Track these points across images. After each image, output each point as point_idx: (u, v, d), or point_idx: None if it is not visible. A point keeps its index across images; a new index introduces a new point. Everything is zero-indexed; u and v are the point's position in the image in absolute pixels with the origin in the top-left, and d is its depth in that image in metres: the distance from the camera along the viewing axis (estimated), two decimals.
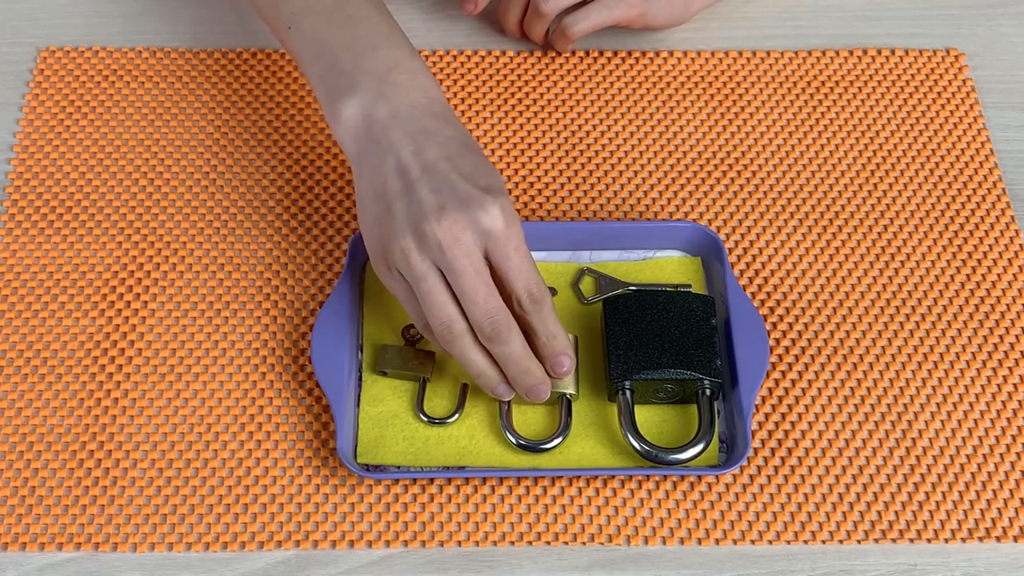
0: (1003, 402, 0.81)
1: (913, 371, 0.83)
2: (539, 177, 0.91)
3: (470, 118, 0.94)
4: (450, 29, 1.00)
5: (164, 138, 0.92)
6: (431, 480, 0.77)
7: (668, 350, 0.78)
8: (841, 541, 0.76)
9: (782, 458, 0.79)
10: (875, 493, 0.78)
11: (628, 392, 0.78)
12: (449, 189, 0.72)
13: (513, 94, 0.96)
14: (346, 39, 0.79)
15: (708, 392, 0.78)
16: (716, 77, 0.97)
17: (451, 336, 0.74)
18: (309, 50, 0.80)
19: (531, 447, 0.78)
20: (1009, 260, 0.88)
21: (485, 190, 0.73)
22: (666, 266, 0.86)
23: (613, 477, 0.78)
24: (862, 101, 0.96)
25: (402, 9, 1.01)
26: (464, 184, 0.73)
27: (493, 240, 0.72)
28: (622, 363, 0.78)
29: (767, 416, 0.81)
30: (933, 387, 0.82)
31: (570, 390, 0.79)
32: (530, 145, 0.93)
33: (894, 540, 0.76)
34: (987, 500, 0.77)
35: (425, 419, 0.79)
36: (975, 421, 0.81)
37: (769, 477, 0.78)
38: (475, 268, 0.72)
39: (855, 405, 0.81)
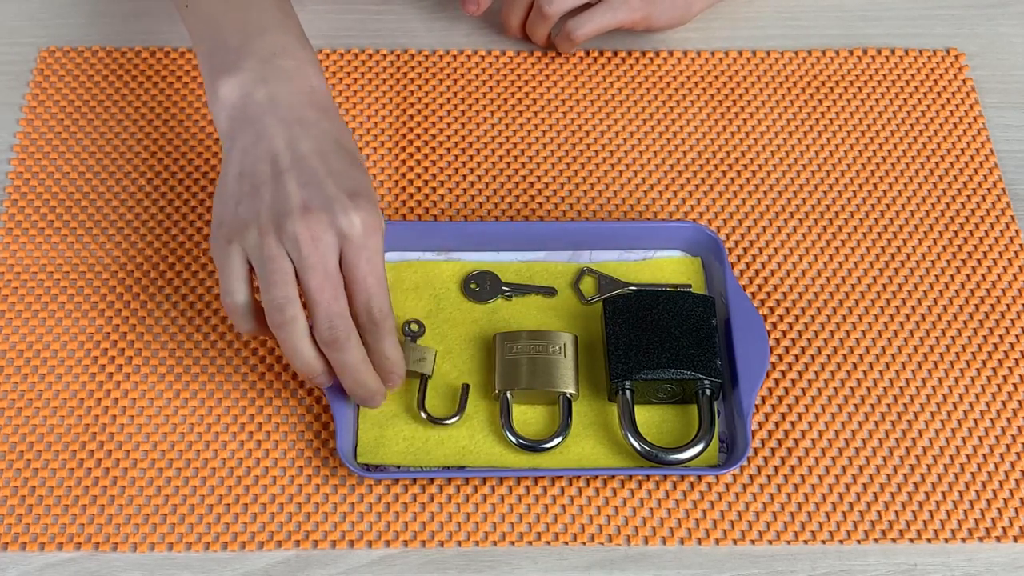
0: (1003, 402, 0.81)
1: (913, 371, 0.83)
2: (539, 177, 0.91)
3: (470, 118, 0.94)
4: (450, 29, 1.00)
5: (164, 138, 0.92)
6: (431, 480, 0.77)
7: (668, 350, 0.78)
8: (841, 541, 0.76)
9: (782, 458, 0.79)
10: (875, 493, 0.78)
11: (628, 392, 0.78)
12: (316, 186, 0.72)
13: (513, 94, 0.96)
14: (237, 20, 0.78)
15: (708, 392, 0.78)
16: (716, 77, 0.97)
17: (282, 318, 0.72)
18: (201, 29, 0.80)
19: (531, 447, 0.78)
20: (1009, 260, 0.88)
21: (351, 194, 0.72)
22: (666, 266, 0.86)
23: (613, 477, 0.78)
24: (862, 101, 0.96)
25: (403, 9, 1.01)
26: (332, 185, 0.72)
27: (349, 244, 0.72)
28: (622, 363, 0.78)
29: (767, 416, 0.81)
30: (933, 387, 0.82)
31: (570, 390, 0.79)
32: (530, 145, 0.93)
33: (894, 540, 0.76)
34: (987, 500, 0.78)
35: (425, 417, 0.79)
36: (975, 421, 0.81)
37: (769, 477, 0.78)
38: (326, 269, 0.71)
39: (855, 405, 0.81)
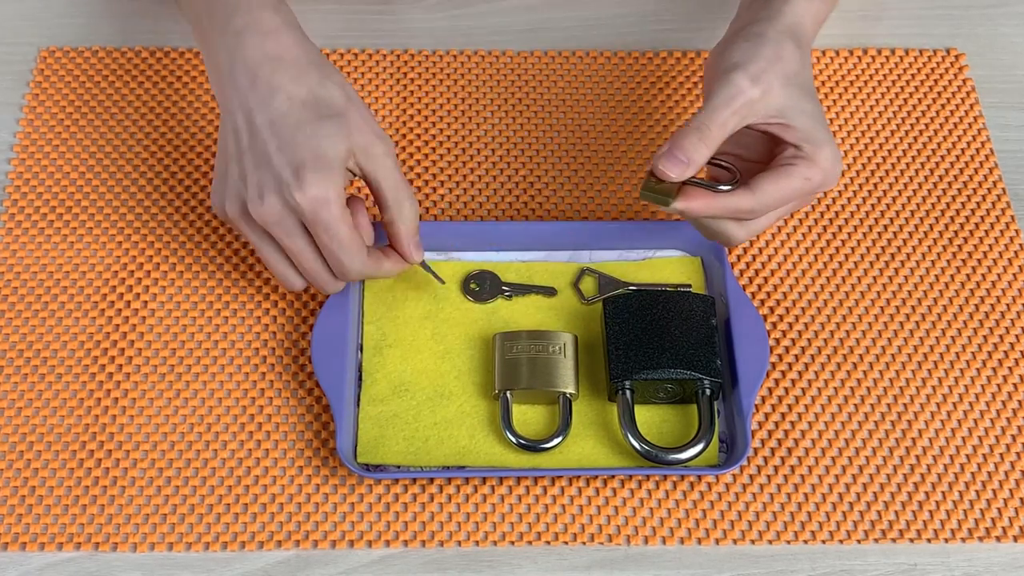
0: (1003, 402, 0.81)
1: (913, 371, 0.83)
2: (539, 177, 0.91)
3: (470, 118, 0.94)
4: (450, 29, 1.00)
5: (164, 138, 0.92)
6: (431, 480, 0.77)
7: (668, 350, 0.78)
8: (841, 541, 0.76)
9: (782, 458, 0.79)
10: (875, 493, 0.78)
11: (628, 392, 0.78)
12: (267, 167, 0.75)
13: (513, 94, 0.96)
14: None
15: (708, 392, 0.78)
16: None
17: (286, 285, 0.80)
18: (190, 19, 0.82)
19: (531, 447, 0.78)
20: (1009, 260, 0.88)
21: (297, 170, 0.74)
22: (666, 266, 0.86)
23: (613, 477, 0.78)
24: (862, 101, 0.96)
25: (403, 9, 1.01)
26: (281, 161, 0.74)
27: (303, 219, 0.75)
28: (622, 363, 0.78)
29: (767, 416, 0.81)
30: (933, 387, 0.82)
31: (570, 390, 0.79)
32: (530, 145, 0.93)
33: (894, 540, 0.76)
34: (987, 500, 0.78)
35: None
36: (975, 421, 0.81)
37: (769, 477, 0.78)
38: (294, 244, 0.76)
39: (855, 405, 0.81)
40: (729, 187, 0.76)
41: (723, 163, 0.78)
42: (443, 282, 0.84)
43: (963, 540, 0.76)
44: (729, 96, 0.75)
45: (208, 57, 0.79)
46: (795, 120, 0.76)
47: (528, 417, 0.80)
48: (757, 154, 0.79)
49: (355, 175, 0.77)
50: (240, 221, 0.77)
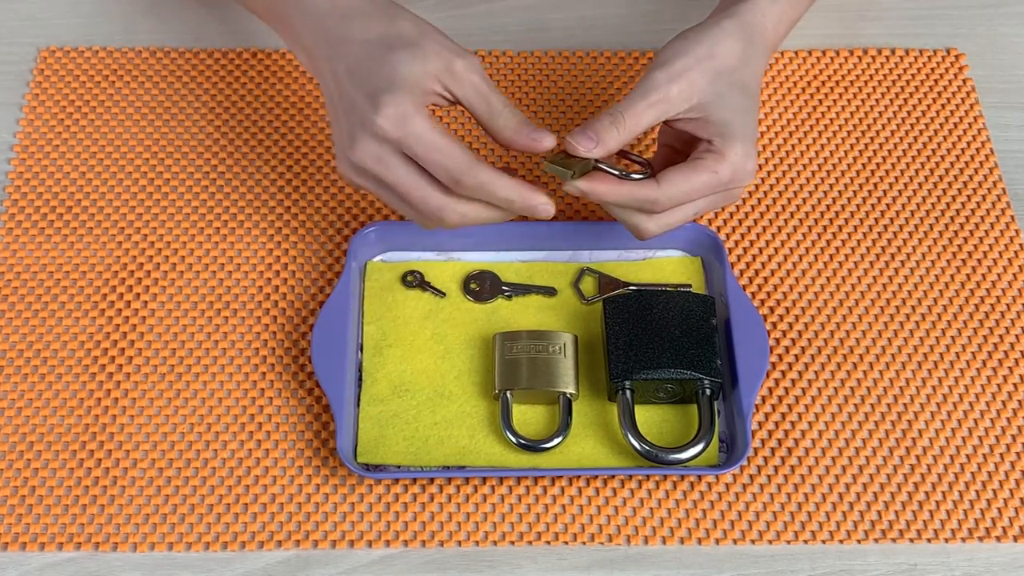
0: (1003, 402, 0.81)
1: (913, 371, 0.83)
2: (538, 176, 0.91)
3: (469, 117, 0.94)
4: (450, 29, 0.99)
5: (164, 138, 0.92)
6: (431, 480, 0.77)
7: (668, 350, 0.78)
8: (841, 541, 0.76)
9: (782, 458, 0.79)
10: (875, 493, 0.78)
11: (628, 392, 0.78)
12: (351, 110, 0.74)
13: (513, 94, 0.96)
14: None
15: (708, 392, 0.78)
16: None
17: (422, 222, 0.77)
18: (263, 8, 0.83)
19: (531, 447, 0.78)
20: (1009, 260, 0.88)
21: (372, 97, 0.73)
22: (666, 266, 0.86)
23: (613, 477, 0.78)
24: (862, 101, 0.96)
25: None
26: (362, 98, 0.73)
27: (396, 143, 0.73)
28: (622, 363, 0.78)
29: (767, 416, 0.81)
30: (933, 387, 0.82)
31: (570, 390, 0.79)
32: None
33: (894, 540, 0.76)
34: (987, 500, 0.78)
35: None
36: (975, 421, 0.81)
37: (769, 477, 0.78)
38: (396, 178, 0.74)
39: (855, 405, 0.81)
40: (640, 177, 0.76)
41: (637, 158, 0.79)
42: (443, 294, 0.84)
43: (963, 540, 0.76)
44: (645, 90, 0.77)
45: (293, 38, 0.80)
46: (713, 115, 0.77)
47: (528, 417, 0.80)
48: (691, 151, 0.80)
49: (448, 101, 0.75)
50: (355, 177, 0.76)
